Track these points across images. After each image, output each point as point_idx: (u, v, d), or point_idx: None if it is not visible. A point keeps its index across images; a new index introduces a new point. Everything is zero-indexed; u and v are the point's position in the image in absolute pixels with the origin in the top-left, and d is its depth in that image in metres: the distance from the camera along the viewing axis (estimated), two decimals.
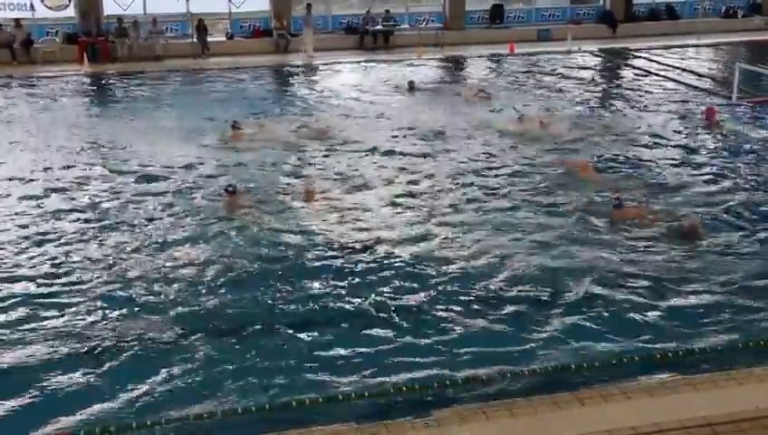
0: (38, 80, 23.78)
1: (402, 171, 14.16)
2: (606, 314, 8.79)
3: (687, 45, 28.44)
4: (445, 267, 9.99)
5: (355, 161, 14.78)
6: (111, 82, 23.96)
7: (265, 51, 27.69)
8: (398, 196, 12.84)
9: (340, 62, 26.18)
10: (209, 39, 27.42)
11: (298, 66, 25.88)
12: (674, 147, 15.78)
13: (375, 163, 14.72)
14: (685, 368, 7.56)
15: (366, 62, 26.35)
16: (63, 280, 9.82)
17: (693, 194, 12.81)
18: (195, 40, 27.09)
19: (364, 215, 11.99)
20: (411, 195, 12.91)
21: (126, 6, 27.50)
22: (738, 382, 7.15)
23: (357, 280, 9.72)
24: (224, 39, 28.40)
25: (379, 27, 28.85)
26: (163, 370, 7.72)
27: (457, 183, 13.48)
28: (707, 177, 13.81)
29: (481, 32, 30.25)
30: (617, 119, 18.27)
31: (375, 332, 8.52)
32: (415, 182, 13.58)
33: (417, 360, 7.87)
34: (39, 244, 10.97)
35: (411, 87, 21.33)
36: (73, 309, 9.04)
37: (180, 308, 9.03)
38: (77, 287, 9.59)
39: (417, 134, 16.58)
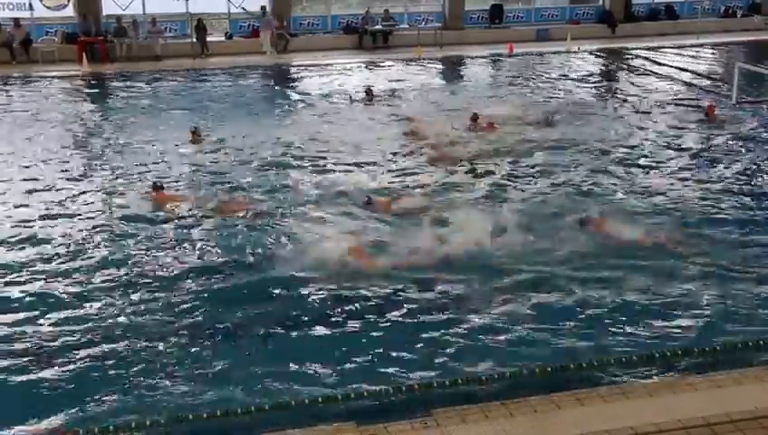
0: (36, 79, 23.78)
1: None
2: (605, 315, 8.81)
3: (687, 45, 28.46)
4: (443, 268, 9.98)
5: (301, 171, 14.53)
6: (109, 82, 23.98)
7: (264, 51, 27.64)
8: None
9: (329, 63, 26.19)
10: (209, 39, 27.41)
11: (266, 67, 25.86)
12: (671, 146, 15.84)
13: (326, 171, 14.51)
14: (684, 368, 7.58)
15: (360, 63, 26.38)
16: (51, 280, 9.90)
17: (688, 192, 12.92)
18: (194, 40, 27.09)
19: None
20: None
21: (125, 6, 27.47)
22: (737, 382, 7.17)
23: (352, 281, 9.71)
24: (223, 39, 28.39)
25: (378, 27, 28.85)
26: (161, 370, 7.74)
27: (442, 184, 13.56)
28: (704, 174, 13.92)
29: (480, 32, 30.25)
30: (611, 118, 18.27)
31: (374, 332, 8.54)
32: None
33: (417, 360, 7.89)
34: (27, 241, 11.14)
35: (369, 95, 20.32)
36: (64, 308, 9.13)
37: (174, 307, 9.05)
38: (66, 288, 9.65)
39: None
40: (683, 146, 15.85)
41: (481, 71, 25.88)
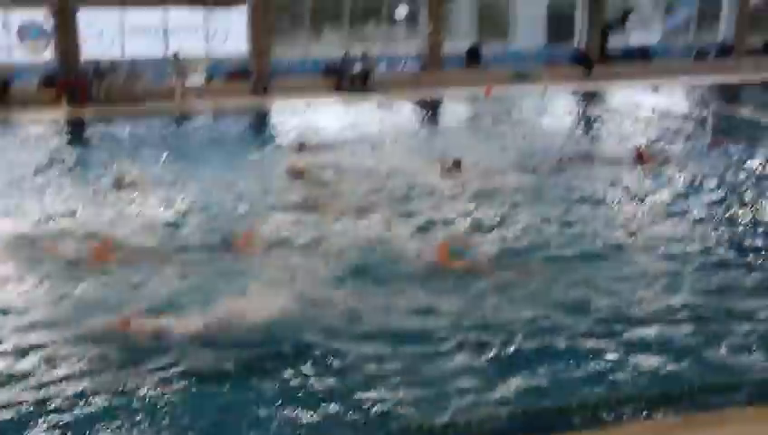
0: (14, 122, 23.80)
1: None
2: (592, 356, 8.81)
3: (662, 87, 28.92)
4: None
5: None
6: (87, 124, 24.04)
7: (244, 92, 27.83)
8: None
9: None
10: (188, 81, 27.54)
11: (242, 110, 25.95)
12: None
13: None
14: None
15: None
16: None
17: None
18: (174, 82, 27.21)
19: None
20: None
21: (104, 49, 27.59)
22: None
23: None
24: (203, 81, 28.51)
25: (357, 69, 29.13)
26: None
27: None
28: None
29: (458, 73, 30.61)
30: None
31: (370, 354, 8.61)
32: None
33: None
34: None
35: (301, 146, 19.07)
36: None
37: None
38: None
39: None
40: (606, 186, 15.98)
41: (458, 112, 26.15)
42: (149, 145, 21.10)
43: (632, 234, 13.04)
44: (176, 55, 27.53)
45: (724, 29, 34.00)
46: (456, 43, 31.43)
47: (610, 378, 8.32)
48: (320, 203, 14.50)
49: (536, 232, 13.01)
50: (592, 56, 31.88)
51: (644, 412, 7.54)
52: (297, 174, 16.50)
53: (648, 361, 8.66)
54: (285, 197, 15.19)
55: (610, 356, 8.70)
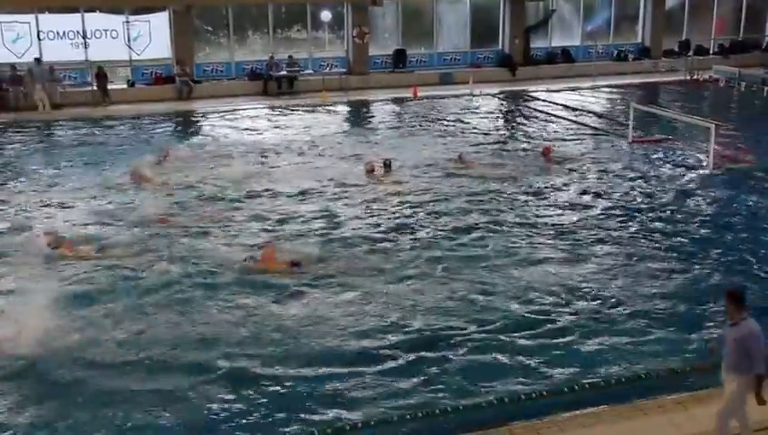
0: None
1: None
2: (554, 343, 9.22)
3: (583, 87, 29.50)
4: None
5: None
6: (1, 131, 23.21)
7: (168, 98, 27.33)
8: None
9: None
10: (110, 86, 26.90)
11: (32, 122, 24.38)
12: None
13: None
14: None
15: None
16: None
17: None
18: (94, 88, 26.54)
19: None
20: None
21: (21, 54, 26.73)
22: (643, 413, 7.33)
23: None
24: (125, 86, 27.91)
25: (282, 73, 28.91)
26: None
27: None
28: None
29: (385, 76, 30.66)
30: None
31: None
32: None
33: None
34: None
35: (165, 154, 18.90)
36: None
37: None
38: None
39: None
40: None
41: (384, 115, 26.05)
42: (38, 152, 20.68)
43: (535, 224, 13.75)
44: (37, 60, 26.38)
45: (642, 31, 34.89)
46: (383, 48, 31.48)
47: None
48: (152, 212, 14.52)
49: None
50: (516, 58, 32.31)
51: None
52: (143, 181, 16.56)
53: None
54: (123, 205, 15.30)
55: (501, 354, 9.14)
